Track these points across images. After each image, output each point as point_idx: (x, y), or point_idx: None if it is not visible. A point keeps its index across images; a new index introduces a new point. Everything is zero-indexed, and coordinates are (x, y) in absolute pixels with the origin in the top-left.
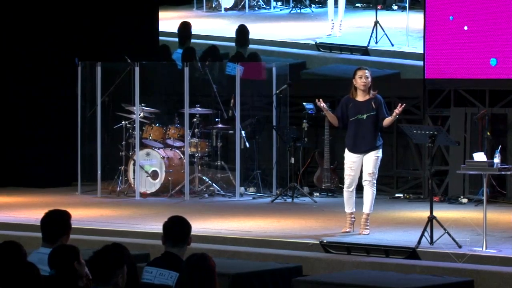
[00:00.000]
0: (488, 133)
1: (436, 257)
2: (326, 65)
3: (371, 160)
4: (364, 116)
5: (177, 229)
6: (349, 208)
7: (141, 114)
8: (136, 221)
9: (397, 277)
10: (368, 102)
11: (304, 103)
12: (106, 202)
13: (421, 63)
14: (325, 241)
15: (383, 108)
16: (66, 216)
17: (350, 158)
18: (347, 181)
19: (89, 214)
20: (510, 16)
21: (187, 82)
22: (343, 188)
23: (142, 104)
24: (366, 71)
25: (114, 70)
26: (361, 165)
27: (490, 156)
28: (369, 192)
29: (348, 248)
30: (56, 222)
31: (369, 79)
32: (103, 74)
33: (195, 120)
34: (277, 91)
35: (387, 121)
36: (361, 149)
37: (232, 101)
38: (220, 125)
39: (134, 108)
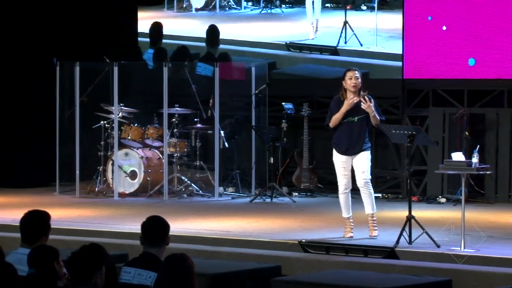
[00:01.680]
0: (467, 133)
1: (414, 256)
2: (296, 65)
3: (362, 160)
4: (356, 119)
5: (155, 229)
6: (347, 212)
7: (120, 114)
8: (114, 221)
9: (376, 276)
10: (359, 104)
11: (283, 103)
12: (84, 202)
13: (389, 62)
14: (304, 241)
15: (377, 110)
16: (45, 216)
17: (340, 159)
18: (342, 181)
19: (67, 214)
20: (488, 17)
21: (166, 82)
22: (338, 192)
23: (121, 104)
24: (356, 72)
25: (92, 70)
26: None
27: (469, 155)
28: (366, 192)
29: (327, 248)
30: (36, 222)
31: (359, 80)
32: (82, 74)
33: (174, 120)
34: (256, 91)
35: (373, 120)
36: (351, 151)
37: (211, 101)
38: (199, 125)
39: (113, 108)
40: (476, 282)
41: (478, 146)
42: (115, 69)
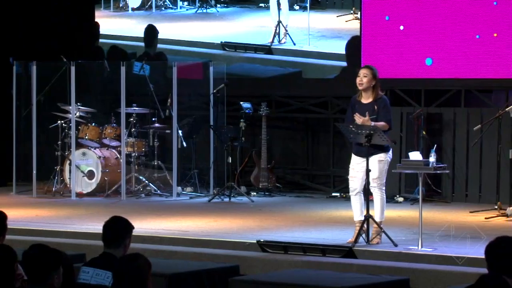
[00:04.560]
0: (424, 132)
1: (372, 255)
2: (231, 64)
3: (374, 164)
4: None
5: (114, 229)
6: (356, 215)
7: (77, 114)
8: (72, 221)
9: (334, 276)
10: (371, 104)
11: (241, 103)
12: (41, 202)
13: (322, 61)
14: (262, 240)
15: (383, 111)
16: (2, 217)
17: (353, 160)
18: (350, 184)
19: (24, 215)
20: (445, 16)
21: (123, 81)
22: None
23: (78, 104)
24: (366, 70)
25: (49, 69)
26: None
27: (426, 155)
28: (376, 198)
29: (285, 247)
30: None
31: (367, 78)
32: (39, 74)
33: (131, 119)
34: (214, 91)
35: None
36: (363, 153)
37: (169, 100)
38: (157, 125)
39: (70, 107)
40: (432, 280)
41: (435, 145)
42: (72, 69)
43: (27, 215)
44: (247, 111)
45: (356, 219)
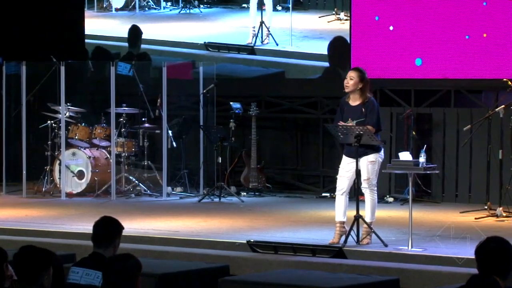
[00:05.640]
0: (414, 133)
1: (362, 256)
2: (215, 65)
3: (364, 166)
4: (354, 122)
5: (103, 229)
6: (338, 215)
7: (67, 114)
8: (62, 221)
9: (324, 276)
10: (359, 107)
11: (231, 103)
12: (31, 202)
13: (304, 62)
14: (252, 240)
15: (370, 114)
16: None
17: (343, 161)
18: (337, 183)
19: (14, 215)
20: (434, 17)
21: (113, 81)
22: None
23: (68, 104)
24: (353, 72)
25: (39, 69)
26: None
27: (416, 155)
28: (367, 199)
29: (275, 248)
30: None
31: (353, 81)
32: (28, 74)
33: (121, 119)
34: (204, 91)
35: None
36: (352, 154)
37: (158, 100)
38: (146, 125)
39: (60, 107)
40: (422, 281)
41: (425, 145)
42: (62, 69)
43: (17, 215)
44: (237, 111)
45: (338, 219)
